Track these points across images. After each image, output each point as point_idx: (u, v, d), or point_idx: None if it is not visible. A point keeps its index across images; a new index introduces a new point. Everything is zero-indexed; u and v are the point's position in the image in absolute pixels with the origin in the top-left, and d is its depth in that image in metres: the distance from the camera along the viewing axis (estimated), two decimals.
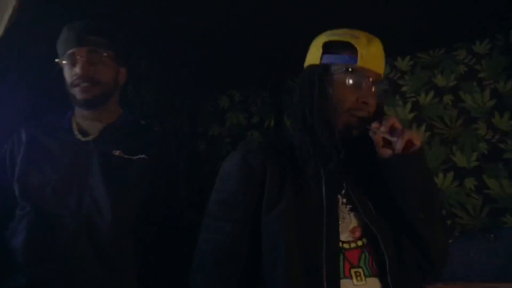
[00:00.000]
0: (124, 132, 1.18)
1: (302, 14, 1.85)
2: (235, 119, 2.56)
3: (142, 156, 1.13)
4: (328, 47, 0.92)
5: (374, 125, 0.86)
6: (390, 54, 2.30)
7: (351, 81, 0.89)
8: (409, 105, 2.22)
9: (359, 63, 0.89)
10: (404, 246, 0.86)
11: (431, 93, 2.18)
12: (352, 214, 0.87)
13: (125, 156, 1.11)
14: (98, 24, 1.17)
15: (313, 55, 0.95)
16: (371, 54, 0.90)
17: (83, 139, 1.12)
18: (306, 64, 0.98)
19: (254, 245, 0.85)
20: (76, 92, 1.11)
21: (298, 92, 0.96)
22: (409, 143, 0.83)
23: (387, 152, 0.85)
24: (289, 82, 2.43)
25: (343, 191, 0.89)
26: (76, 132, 1.14)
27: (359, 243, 0.84)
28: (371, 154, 0.88)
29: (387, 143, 0.85)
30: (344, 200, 0.88)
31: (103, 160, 1.08)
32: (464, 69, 2.13)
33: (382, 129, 0.85)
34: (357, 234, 0.85)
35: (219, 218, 0.89)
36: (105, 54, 1.13)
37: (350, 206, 0.87)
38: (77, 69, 1.09)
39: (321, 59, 0.93)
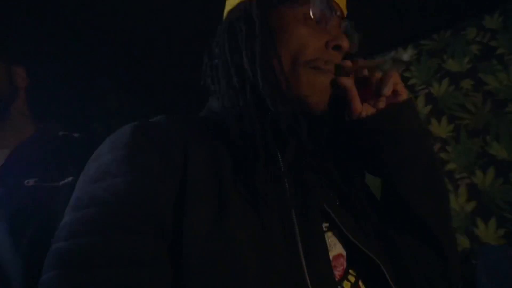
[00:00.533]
0: (44, 152, 0.86)
1: None
2: None
3: (70, 178, 0.80)
4: None
5: (347, 64, 0.57)
6: (388, 47, 2.03)
7: (312, 15, 0.56)
8: (421, 98, 1.90)
9: None
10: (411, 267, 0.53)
11: (445, 81, 1.87)
12: (331, 235, 0.51)
13: (44, 184, 0.79)
14: None
15: None
16: None
17: None
18: (229, 6, 0.63)
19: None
20: None
21: (224, 44, 0.58)
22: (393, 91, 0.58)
23: (367, 109, 0.57)
24: None
25: (315, 197, 0.50)
26: None
27: (348, 282, 0.48)
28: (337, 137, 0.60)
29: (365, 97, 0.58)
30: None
31: (9, 195, 0.77)
32: (478, 48, 1.84)
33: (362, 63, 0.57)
34: (342, 266, 0.49)
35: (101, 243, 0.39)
36: None
37: (327, 224, 0.51)
38: None
39: None
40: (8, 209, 0.77)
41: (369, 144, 0.57)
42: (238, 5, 0.61)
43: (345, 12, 0.63)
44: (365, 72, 0.61)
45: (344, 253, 0.50)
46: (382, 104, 0.58)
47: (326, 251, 0.45)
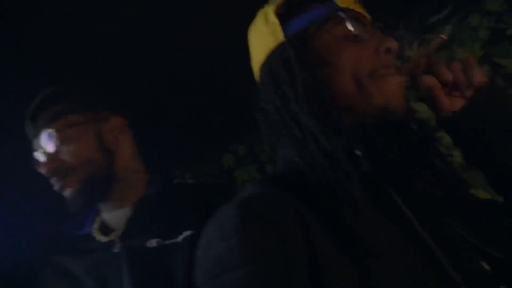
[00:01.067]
0: (163, 207, 0.84)
1: None
2: (246, 175, 2.19)
3: (189, 232, 0.78)
4: (283, 16, 0.61)
5: (428, 78, 0.55)
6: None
7: (352, 29, 0.56)
8: None
9: (342, 4, 0.59)
10: None
11: None
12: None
13: (166, 242, 0.77)
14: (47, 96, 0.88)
15: (267, 37, 0.61)
16: None
17: (105, 239, 0.81)
18: (261, 56, 0.63)
19: None
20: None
21: (273, 99, 0.58)
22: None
23: (458, 103, 0.55)
24: None
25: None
26: (96, 234, 0.83)
27: None
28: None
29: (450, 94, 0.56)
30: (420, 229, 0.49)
31: (133, 264, 0.75)
32: (487, 33, 1.81)
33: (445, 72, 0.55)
34: None
35: None
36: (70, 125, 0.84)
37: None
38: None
39: (284, 32, 0.59)
40: (133, 275, 0.74)
41: (478, 135, 0.54)
42: (271, 55, 0.61)
43: (368, 16, 0.63)
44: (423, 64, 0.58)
45: (489, 269, 0.47)
46: (469, 92, 0.55)
47: (483, 273, 0.44)
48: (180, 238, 0.78)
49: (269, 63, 0.60)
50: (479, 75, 0.55)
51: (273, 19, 0.60)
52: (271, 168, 2.17)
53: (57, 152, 0.83)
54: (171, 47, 1.50)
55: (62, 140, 0.83)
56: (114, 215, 0.85)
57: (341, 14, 0.57)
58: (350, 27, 0.56)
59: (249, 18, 0.68)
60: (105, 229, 0.84)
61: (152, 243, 0.77)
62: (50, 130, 0.83)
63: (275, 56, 0.59)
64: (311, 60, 0.56)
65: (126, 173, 0.87)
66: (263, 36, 0.62)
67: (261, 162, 2.22)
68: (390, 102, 0.54)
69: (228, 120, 2.07)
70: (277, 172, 0.61)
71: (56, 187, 0.83)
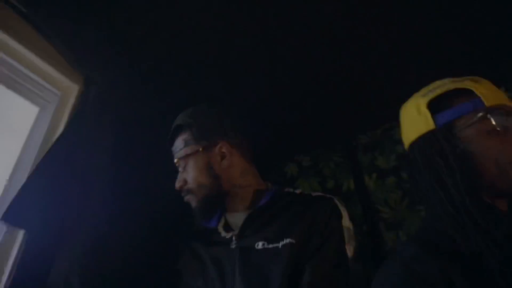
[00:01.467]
0: (274, 215, 0.98)
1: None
2: (307, 185, 2.28)
3: (288, 240, 0.89)
4: (435, 106, 0.77)
5: None
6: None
7: (496, 125, 0.70)
8: None
9: (487, 102, 0.72)
10: None
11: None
12: None
13: (269, 246, 0.90)
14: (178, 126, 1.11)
15: (419, 123, 0.77)
16: (489, 89, 0.75)
17: (227, 235, 0.99)
18: (413, 136, 0.80)
19: None
20: None
21: (422, 172, 0.75)
22: None
23: None
24: (363, 137, 2.14)
25: None
26: (220, 230, 1.02)
27: None
28: None
29: None
30: None
31: (243, 260, 0.91)
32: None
33: None
34: None
35: None
36: (183, 151, 1.06)
37: None
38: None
39: (434, 120, 0.75)
40: (242, 271, 0.89)
41: None
42: (422, 137, 0.77)
43: (509, 102, 0.74)
44: None
45: None
46: None
47: None
48: (280, 244, 0.89)
49: (419, 144, 0.77)
50: None
51: (425, 110, 0.75)
52: (332, 184, 2.23)
53: (182, 174, 1.03)
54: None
55: (183, 167, 1.03)
56: (233, 218, 1.01)
57: (485, 112, 0.70)
58: (493, 122, 0.69)
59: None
60: (228, 227, 1.01)
61: (259, 245, 0.91)
62: (175, 160, 1.05)
63: (427, 140, 0.75)
64: (459, 147, 0.71)
65: (235, 189, 1.03)
66: (415, 122, 0.77)
67: (323, 176, 2.29)
68: None
69: (295, 133, 2.14)
70: (422, 233, 0.77)
71: (185, 199, 1.04)
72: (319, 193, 1.02)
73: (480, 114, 0.71)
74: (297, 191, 1.05)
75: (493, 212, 0.69)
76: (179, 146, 1.06)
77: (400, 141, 0.98)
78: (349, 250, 0.89)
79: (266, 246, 0.90)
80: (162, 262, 1.05)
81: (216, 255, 0.94)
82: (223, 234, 1.00)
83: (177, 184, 1.03)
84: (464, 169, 0.69)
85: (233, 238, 0.96)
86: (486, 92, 0.72)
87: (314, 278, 0.82)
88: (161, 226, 1.20)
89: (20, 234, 0.98)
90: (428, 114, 0.74)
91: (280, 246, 0.88)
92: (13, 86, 1.16)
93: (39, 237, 0.96)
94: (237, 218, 1.00)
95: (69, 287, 0.91)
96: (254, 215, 0.97)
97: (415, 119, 0.77)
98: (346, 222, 0.94)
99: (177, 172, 1.06)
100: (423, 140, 0.76)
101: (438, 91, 0.76)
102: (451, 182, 0.69)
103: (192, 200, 1.02)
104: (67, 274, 0.93)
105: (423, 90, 0.80)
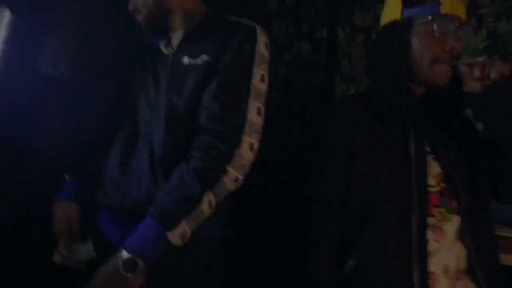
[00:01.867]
0: (201, 34, 1.05)
1: None
2: (283, 27, 2.35)
3: (205, 58, 1.00)
4: (407, 1, 0.94)
5: (464, 59, 0.90)
6: None
7: (437, 30, 0.90)
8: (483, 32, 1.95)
9: (443, 10, 0.89)
10: (481, 188, 0.95)
11: None
12: (435, 163, 0.95)
13: (192, 62, 1.02)
14: None
15: (392, 11, 0.98)
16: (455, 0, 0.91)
17: (166, 51, 1.08)
18: (384, 20, 1.01)
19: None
20: None
21: (378, 50, 1.00)
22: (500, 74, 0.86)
23: (476, 85, 0.88)
24: None
25: (429, 142, 0.96)
26: (163, 47, 1.09)
27: (439, 187, 0.94)
28: (453, 106, 0.99)
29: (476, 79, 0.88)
30: (428, 150, 0.96)
31: (172, 72, 1.05)
32: None
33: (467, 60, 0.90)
34: (438, 179, 0.94)
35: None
36: None
37: (433, 156, 0.96)
38: None
39: (401, 13, 0.94)
40: (169, 81, 1.05)
41: (475, 106, 0.93)
42: (389, 24, 0.99)
43: (464, 16, 0.92)
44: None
45: (441, 173, 0.96)
46: (488, 81, 0.87)
47: (424, 175, 0.92)
48: (200, 60, 1.00)
49: (385, 28, 1.00)
50: (498, 71, 0.86)
51: (399, 3, 0.96)
52: (307, 29, 2.31)
53: None
54: None
55: None
56: (173, 36, 1.09)
57: (434, 18, 0.90)
58: (433, 30, 0.90)
59: None
60: (169, 46, 1.08)
61: (185, 60, 1.03)
62: None
63: (390, 27, 0.98)
64: (407, 38, 0.94)
65: (178, 9, 1.07)
66: (390, 8, 0.99)
67: (300, 20, 2.34)
68: (441, 79, 0.93)
69: None
70: (363, 94, 1.13)
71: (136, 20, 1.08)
72: (248, 21, 1.04)
73: (430, 17, 0.90)
74: (233, 19, 1.07)
75: (409, 94, 0.94)
76: None
77: (381, 1, 1.09)
78: (258, 73, 0.98)
79: (190, 61, 1.01)
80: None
81: (156, 69, 1.07)
82: (164, 50, 1.08)
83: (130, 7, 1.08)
84: (401, 57, 0.93)
85: (171, 55, 1.06)
86: (450, 1, 0.89)
87: (217, 89, 0.96)
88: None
89: None
90: (400, 7, 0.94)
91: (200, 63, 1.00)
92: None
93: None
94: (175, 37, 1.07)
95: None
96: (189, 35, 1.05)
97: (391, 7, 0.98)
98: (261, 47, 1.00)
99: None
100: (388, 27, 0.98)
101: None
102: (390, 64, 0.94)
103: (139, 20, 1.07)
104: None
105: None
